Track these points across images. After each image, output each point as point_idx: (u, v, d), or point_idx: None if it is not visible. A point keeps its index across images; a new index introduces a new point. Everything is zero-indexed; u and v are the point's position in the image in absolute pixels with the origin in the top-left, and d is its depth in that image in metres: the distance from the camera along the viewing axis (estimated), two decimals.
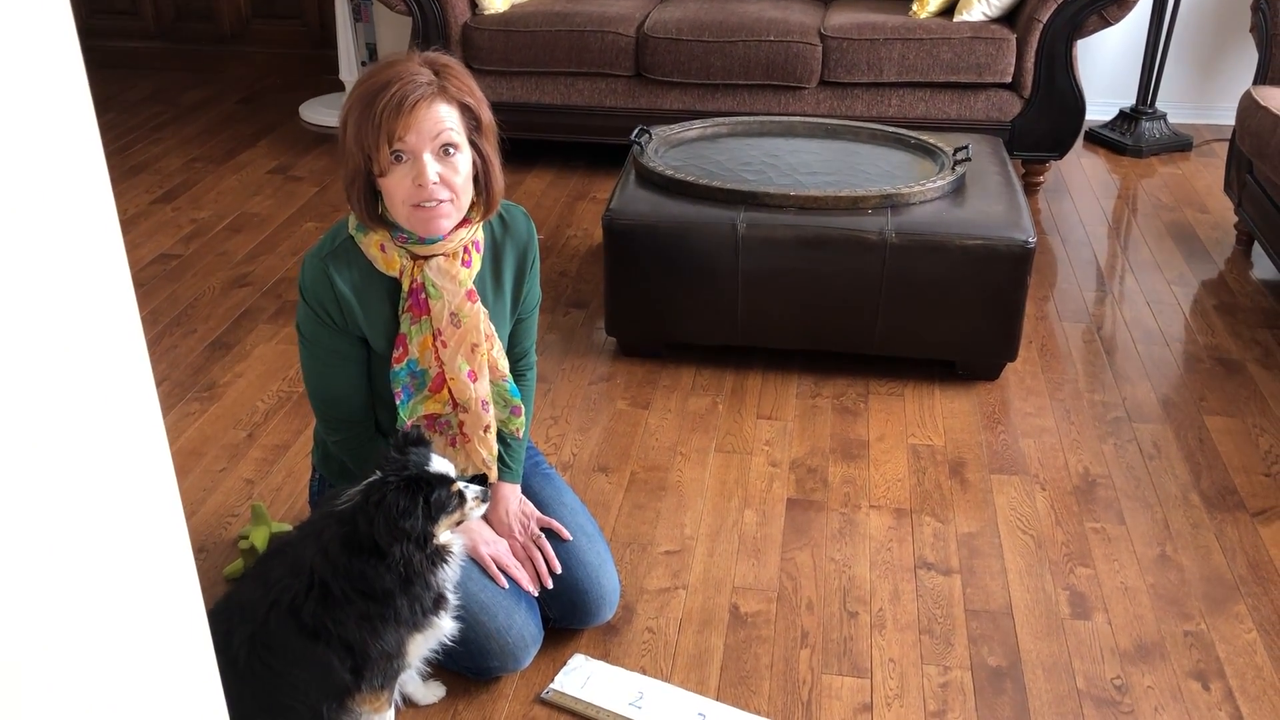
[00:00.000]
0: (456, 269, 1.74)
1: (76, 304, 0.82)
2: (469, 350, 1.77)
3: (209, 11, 5.35)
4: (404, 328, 1.75)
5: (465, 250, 1.76)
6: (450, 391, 1.79)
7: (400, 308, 1.75)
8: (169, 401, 2.69)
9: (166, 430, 2.56)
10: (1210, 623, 2.01)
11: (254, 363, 2.86)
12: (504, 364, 1.84)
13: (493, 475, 1.88)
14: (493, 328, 1.81)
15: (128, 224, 3.69)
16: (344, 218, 1.80)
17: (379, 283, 1.75)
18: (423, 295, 1.73)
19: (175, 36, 5.43)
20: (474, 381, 1.79)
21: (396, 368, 1.76)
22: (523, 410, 1.89)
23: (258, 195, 3.94)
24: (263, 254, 3.48)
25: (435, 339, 1.75)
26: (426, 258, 1.73)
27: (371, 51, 4.82)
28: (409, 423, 1.77)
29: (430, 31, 3.90)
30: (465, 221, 1.74)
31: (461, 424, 1.82)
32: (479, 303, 1.77)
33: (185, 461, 2.47)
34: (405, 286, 1.74)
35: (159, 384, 2.76)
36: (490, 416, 1.83)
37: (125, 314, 0.88)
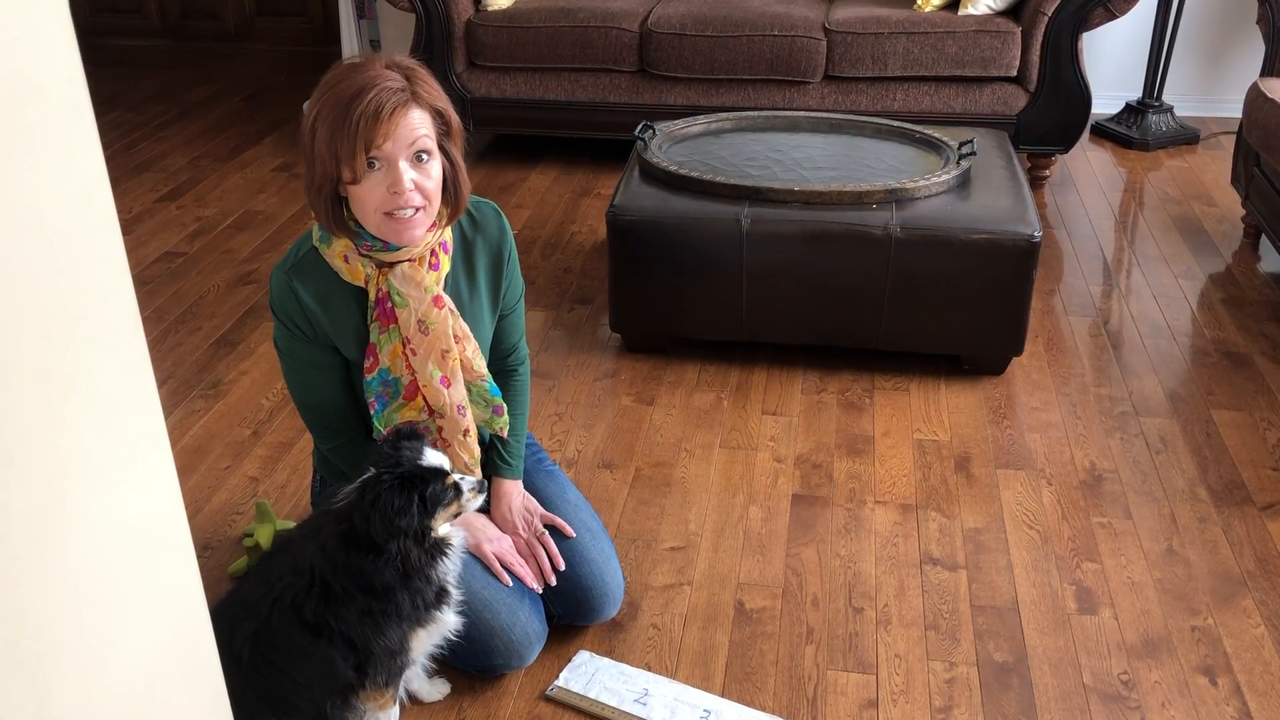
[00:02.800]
0: (422, 275, 1.72)
1: (76, 303, 0.81)
2: (439, 356, 1.75)
3: (213, 9, 5.35)
4: (373, 337, 1.73)
5: (432, 253, 1.73)
6: (424, 398, 1.78)
7: (369, 317, 1.73)
8: (174, 399, 2.70)
9: (172, 428, 2.56)
10: (1218, 617, 2.00)
11: (259, 360, 2.87)
12: (479, 365, 1.81)
13: (476, 476, 1.86)
14: (465, 329, 1.79)
15: (133, 222, 3.69)
16: (307, 231, 1.78)
17: (345, 292, 1.73)
18: (389, 304, 1.72)
19: (180, 34, 5.44)
20: (447, 387, 1.77)
21: (369, 377, 1.75)
22: (504, 409, 1.87)
23: (262, 193, 3.94)
24: (267, 251, 3.48)
25: (405, 347, 1.73)
26: (391, 265, 1.71)
27: (375, 48, 4.82)
28: (385, 432, 1.75)
29: (434, 28, 3.89)
30: (431, 225, 1.71)
31: (440, 429, 1.81)
32: (446, 308, 1.75)
33: (190, 459, 2.47)
34: (372, 296, 1.72)
35: (164, 382, 2.77)
36: (468, 420, 1.82)
37: (125, 313, 0.88)
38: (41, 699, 0.82)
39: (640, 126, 3.01)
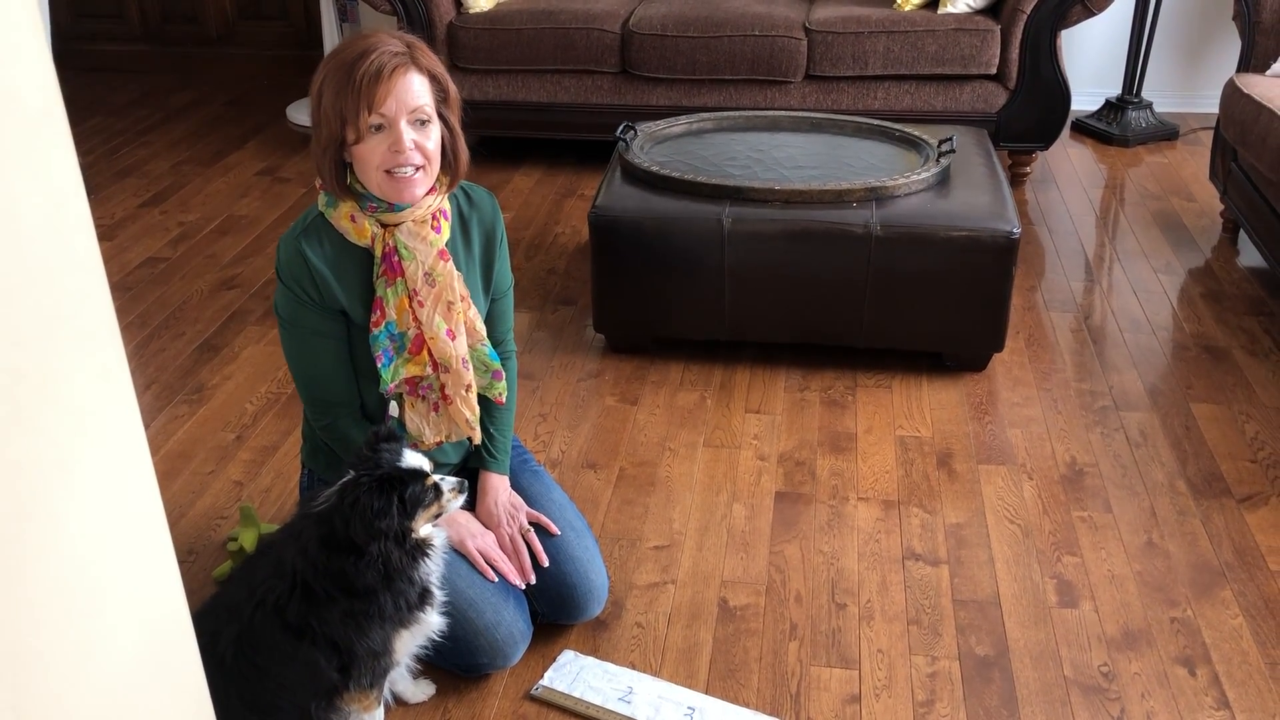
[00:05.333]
0: (427, 231, 1.79)
1: (50, 307, 0.82)
2: (445, 308, 1.81)
3: (195, 14, 5.34)
4: (379, 291, 1.79)
5: (434, 218, 1.80)
6: (430, 352, 1.82)
7: (374, 273, 1.79)
8: (158, 404, 2.69)
9: (155, 433, 2.56)
10: (1196, 609, 2.02)
11: (242, 365, 2.87)
12: (481, 326, 1.88)
13: (476, 438, 1.91)
14: (468, 290, 1.85)
15: (115, 228, 3.69)
16: (310, 205, 1.84)
17: (353, 254, 1.79)
18: (396, 258, 1.78)
19: (161, 39, 5.43)
20: (453, 340, 1.83)
21: (375, 331, 1.80)
22: (503, 375, 1.93)
23: (245, 197, 3.94)
24: (251, 256, 3.48)
25: (411, 299, 1.79)
26: (397, 225, 1.78)
27: None
28: (391, 387, 1.81)
29: (415, 31, 3.89)
30: (431, 189, 1.79)
31: (443, 386, 1.85)
32: (451, 262, 1.82)
33: (174, 464, 2.47)
34: (378, 252, 1.78)
35: (147, 387, 2.76)
36: (470, 375, 1.87)
37: (101, 317, 0.88)
38: (20, 704, 0.83)
39: (622, 127, 3.02)
